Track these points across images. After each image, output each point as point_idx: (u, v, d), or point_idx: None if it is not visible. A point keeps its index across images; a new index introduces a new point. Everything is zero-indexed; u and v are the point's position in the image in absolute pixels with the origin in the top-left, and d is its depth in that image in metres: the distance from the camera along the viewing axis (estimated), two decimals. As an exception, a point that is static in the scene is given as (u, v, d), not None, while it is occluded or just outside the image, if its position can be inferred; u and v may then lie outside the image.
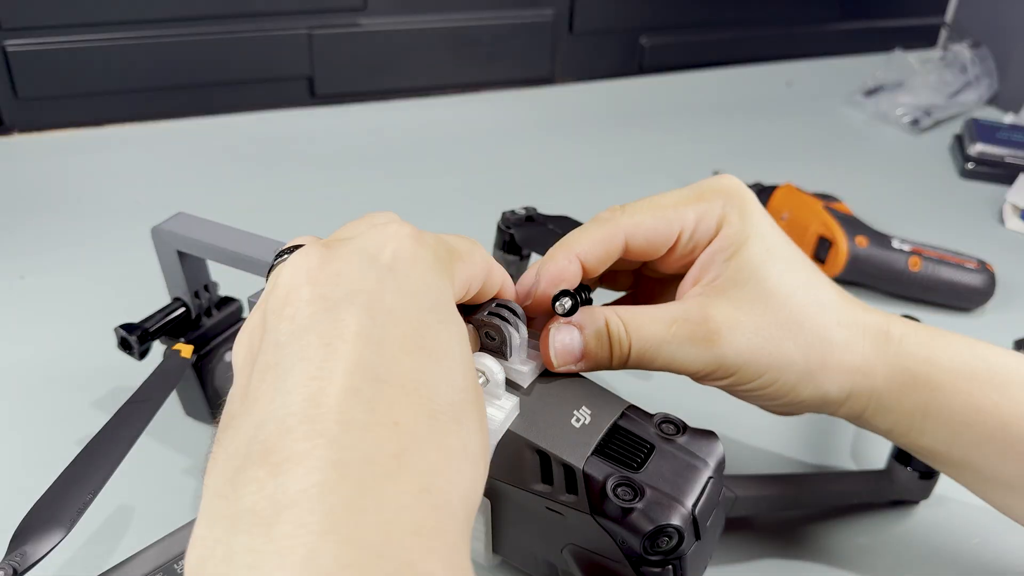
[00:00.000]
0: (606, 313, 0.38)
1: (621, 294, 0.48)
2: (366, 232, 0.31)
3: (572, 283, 0.39)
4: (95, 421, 0.50)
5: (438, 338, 0.29)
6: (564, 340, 0.38)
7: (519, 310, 0.36)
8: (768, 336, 0.38)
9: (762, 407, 0.42)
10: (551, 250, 0.39)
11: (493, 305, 0.36)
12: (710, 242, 0.40)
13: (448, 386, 0.28)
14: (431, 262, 0.31)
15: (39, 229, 0.75)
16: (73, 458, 0.41)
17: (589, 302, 0.39)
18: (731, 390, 0.40)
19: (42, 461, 0.44)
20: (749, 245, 0.39)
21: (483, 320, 0.36)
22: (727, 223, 0.39)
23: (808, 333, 0.38)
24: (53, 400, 0.56)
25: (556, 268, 0.38)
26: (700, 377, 0.39)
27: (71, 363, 0.59)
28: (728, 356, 0.38)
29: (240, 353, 0.30)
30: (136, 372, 0.49)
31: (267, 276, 0.32)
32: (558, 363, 0.38)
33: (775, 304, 0.38)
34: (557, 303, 0.37)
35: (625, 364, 0.39)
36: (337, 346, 0.27)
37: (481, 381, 0.35)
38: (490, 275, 0.35)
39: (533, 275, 0.39)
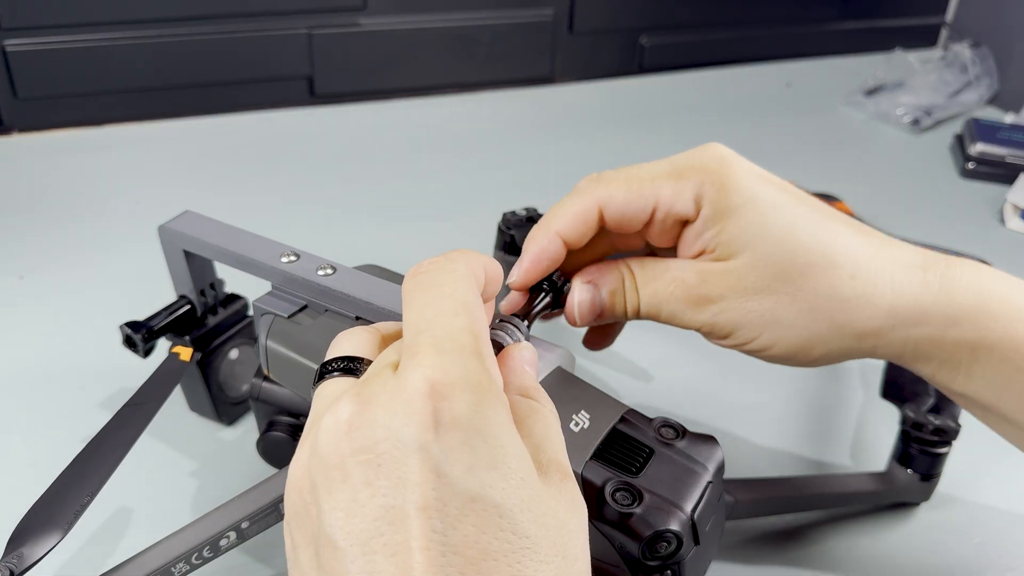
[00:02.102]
0: (621, 269, 0.40)
1: None
2: (394, 387, 0.27)
3: (556, 260, 0.39)
4: (94, 421, 0.50)
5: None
6: (585, 299, 0.40)
7: (521, 325, 0.36)
8: (761, 301, 0.38)
9: (785, 364, 0.40)
10: (532, 230, 0.40)
11: (497, 321, 0.36)
12: (691, 220, 0.39)
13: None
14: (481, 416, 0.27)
15: (39, 229, 0.75)
16: (71, 460, 0.41)
17: (559, 291, 0.40)
18: (742, 351, 0.40)
19: (42, 462, 0.44)
20: (737, 216, 0.37)
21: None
22: (706, 202, 0.38)
23: (810, 295, 0.37)
24: (53, 400, 0.56)
25: (538, 248, 0.39)
26: (704, 335, 0.40)
27: (70, 363, 0.59)
28: (720, 319, 0.38)
29: (291, 502, 0.28)
30: (136, 371, 0.49)
31: (312, 389, 0.31)
32: (581, 321, 0.40)
33: (771, 269, 0.37)
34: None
35: (637, 316, 0.40)
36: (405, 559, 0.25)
37: None
38: (487, 283, 0.33)
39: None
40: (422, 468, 0.25)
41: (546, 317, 0.44)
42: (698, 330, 0.39)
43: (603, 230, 0.40)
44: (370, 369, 0.30)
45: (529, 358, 0.33)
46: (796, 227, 0.37)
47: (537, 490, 0.27)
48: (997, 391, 0.37)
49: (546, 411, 0.31)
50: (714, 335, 0.39)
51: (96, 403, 0.56)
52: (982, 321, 0.37)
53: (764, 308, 0.37)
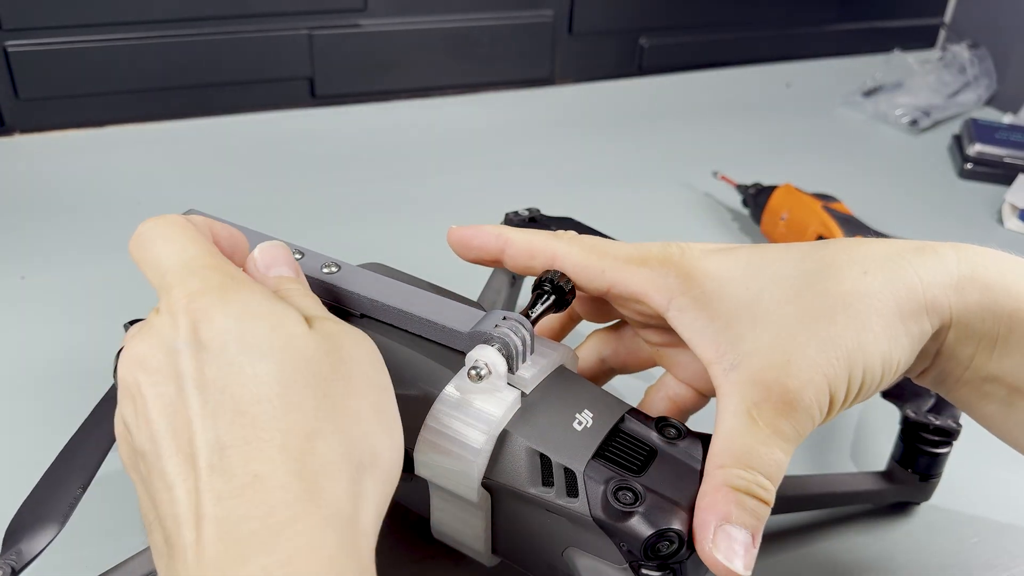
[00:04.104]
0: (735, 480, 0.34)
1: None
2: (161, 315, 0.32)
3: (487, 245, 0.41)
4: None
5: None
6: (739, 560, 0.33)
7: (525, 322, 0.36)
8: (822, 343, 0.34)
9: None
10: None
11: (501, 319, 0.36)
12: (662, 309, 0.38)
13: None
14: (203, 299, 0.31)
15: (39, 229, 0.75)
16: (57, 454, 0.42)
17: (561, 290, 0.39)
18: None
19: (46, 462, 0.44)
20: (723, 300, 0.36)
21: (492, 336, 0.36)
22: (677, 293, 0.37)
23: (845, 305, 0.34)
24: (54, 400, 0.56)
25: (479, 232, 0.41)
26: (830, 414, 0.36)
27: (72, 363, 0.59)
28: (811, 396, 0.34)
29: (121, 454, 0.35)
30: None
31: None
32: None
33: (799, 310, 0.35)
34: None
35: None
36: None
37: (484, 373, 0.35)
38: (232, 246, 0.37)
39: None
40: (186, 329, 0.30)
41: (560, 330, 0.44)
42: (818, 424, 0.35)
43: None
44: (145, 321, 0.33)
45: (268, 258, 0.36)
46: (786, 259, 0.37)
47: (308, 332, 0.31)
48: None
49: (299, 286, 0.35)
50: (823, 408, 0.35)
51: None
52: (1011, 285, 0.35)
53: (831, 350, 0.34)
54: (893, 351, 0.35)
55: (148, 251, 0.34)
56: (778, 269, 0.37)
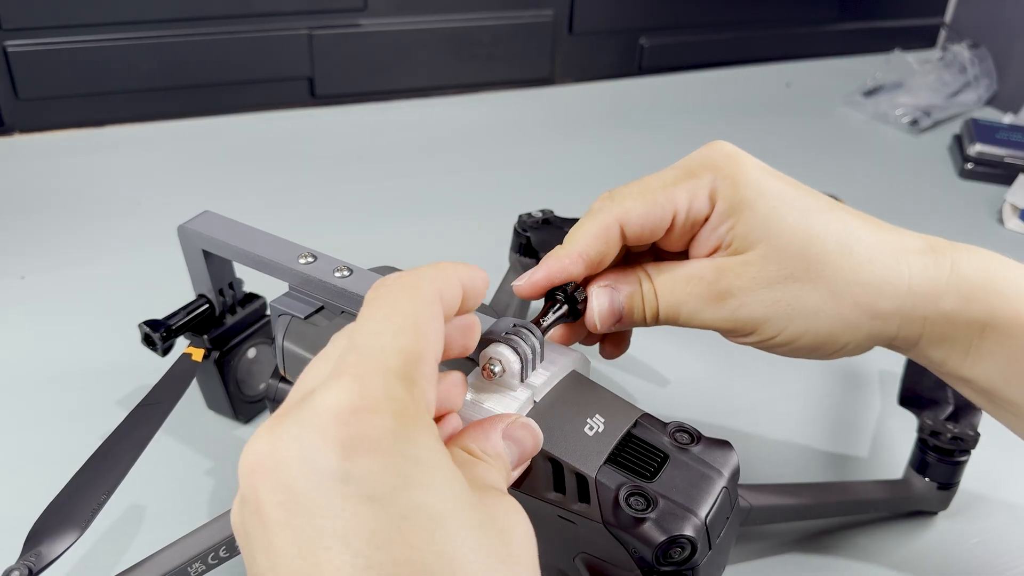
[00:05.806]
0: (638, 273, 0.39)
1: None
2: (308, 415, 0.25)
3: (571, 278, 0.39)
4: (98, 421, 0.50)
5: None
6: (604, 303, 0.39)
7: (536, 330, 0.36)
8: (785, 289, 0.37)
9: (810, 358, 0.41)
10: (555, 249, 0.40)
11: (512, 326, 0.36)
12: (707, 218, 0.39)
13: None
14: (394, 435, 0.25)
15: (39, 229, 0.75)
16: (86, 460, 0.41)
17: (574, 300, 0.39)
18: (766, 347, 0.39)
19: (49, 462, 0.44)
20: (751, 209, 0.38)
21: (500, 340, 0.36)
22: (720, 197, 0.38)
23: (832, 280, 0.37)
24: (54, 400, 0.56)
25: (557, 266, 0.39)
26: (726, 334, 0.39)
27: (71, 363, 0.59)
28: (742, 313, 0.38)
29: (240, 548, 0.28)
30: (140, 371, 0.49)
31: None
32: (602, 326, 0.39)
33: (790, 257, 0.37)
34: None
35: (656, 321, 0.39)
36: None
37: (497, 370, 0.35)
38: (465, 298, 0.31)
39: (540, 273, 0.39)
40: (343, 497, 0.24)
41: (569, 334, 0.44)
42: (719, 329, 0.39)
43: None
44: (289, 397, 0.28)
45: (516, 433, 0.32)
46: (808, 217, 0.38)
47: (471, 499, 0.26)
48: (1005, 372, 0.38)
49: (493, 472, 0.30)
50: (736, 332, 0.38)
51: (100, 403, 0.56)
52: (992, 298, 0.37)
53: (789, 297, 0.37)
54: (843, 333, 0.38)
55: (373, 309, 0.28)
56: (811, 212, 0.38)
